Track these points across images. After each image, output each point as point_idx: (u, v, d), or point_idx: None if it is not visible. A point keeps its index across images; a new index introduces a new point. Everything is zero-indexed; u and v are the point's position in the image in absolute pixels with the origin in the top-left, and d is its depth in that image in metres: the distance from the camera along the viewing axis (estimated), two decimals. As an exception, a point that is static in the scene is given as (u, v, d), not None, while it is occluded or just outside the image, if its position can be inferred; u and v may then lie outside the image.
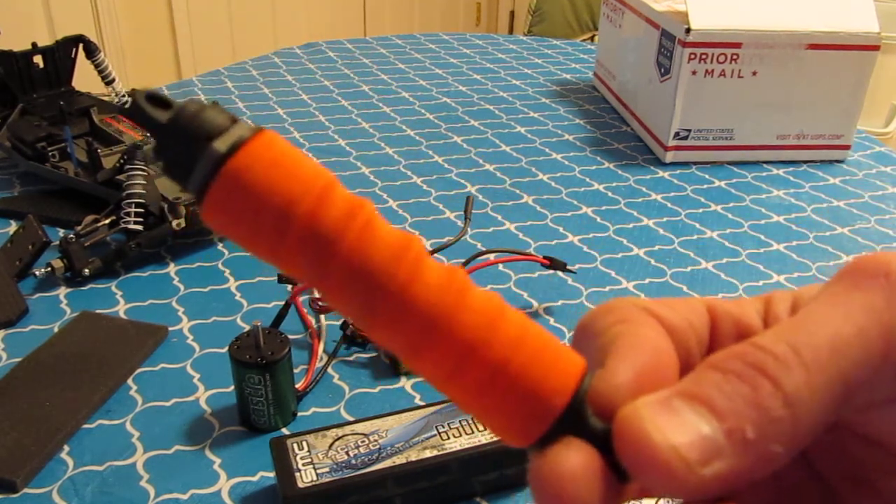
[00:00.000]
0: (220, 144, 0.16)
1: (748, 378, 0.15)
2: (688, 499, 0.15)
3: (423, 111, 1.00)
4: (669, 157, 0.86)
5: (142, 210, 0.62)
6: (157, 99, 0.16)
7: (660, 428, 0.15)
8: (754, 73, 0.82)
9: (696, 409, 0.15)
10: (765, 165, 0.87)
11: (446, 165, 0.84)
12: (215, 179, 0.16)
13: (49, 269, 0.59)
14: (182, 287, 0.61)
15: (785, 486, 0.19)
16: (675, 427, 0.15)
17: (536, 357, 0.16)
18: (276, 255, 0.16)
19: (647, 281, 0.63)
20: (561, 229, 0.71)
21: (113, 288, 0.60)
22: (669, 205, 0.77)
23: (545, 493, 0.15)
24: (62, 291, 0.60)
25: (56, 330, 0.55)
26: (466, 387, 0.16)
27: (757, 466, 0.15)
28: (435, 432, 0.41)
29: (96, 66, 0.90)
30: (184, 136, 0.16)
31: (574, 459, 0.15)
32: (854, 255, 0.16)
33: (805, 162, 0.88)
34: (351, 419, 0.44)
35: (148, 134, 0.16)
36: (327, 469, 0.39)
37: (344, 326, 0.53)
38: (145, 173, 0.63)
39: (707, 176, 0.84)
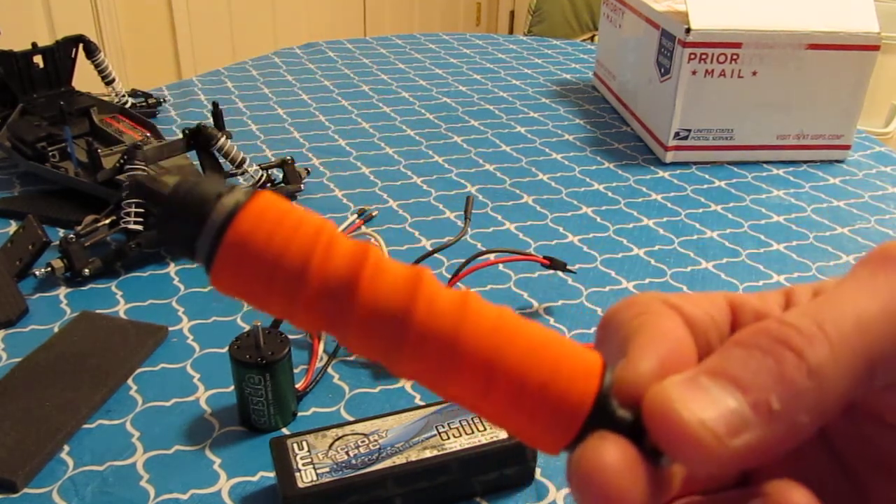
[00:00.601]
0: (217, 215, 0.16)
1: (772, 352, 0.15)
2: (719, 471, 0.15)
3: (423, 111, 1.00)
4: (669, 157, 0.86)
5: (142, 210, 0.62)
6: (147, 188, 0.17)
7: (688, 405, 0.15)
8: (754, 73, 0.82)
9: (721, 384, 0.15)
10: (765, 165, 0.87)
11: (446, 165, 0.84)
12: (219, 250, 0.16)
13: (49, 269, 0.59)
14: (182, 287, 0.61)
15: (807, 472, 0.19)
16: (703, 403, 0.15)
17: (556, 364, 0.16)
18: (292, 312, 0.17)
19: (647, 281, 0.63)
20: (561, 229, 0.71)
21: (113, 288, 0.60)
22: (669, 205, 0.77)
23: (589, 489, 0.15)
24: (62, 291, 0.60)
25: (56, 330, 0.55)
26: (496, 405, 0.17)
27: (784, 437, 0.15)
28: (435, 432, 0.41)
29: (96, 66, 0.90)
30: (182, 215, 0.16)
31: (612, 451, 0.15)
32: (878, 244, 0.16)
33: (805, 162, 0.88)
34: (351, 419, 0.44)
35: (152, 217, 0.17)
36: (327, 469, 0.39)
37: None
38: (145, 173, 0.63)
39: (707, 176, 0.84)
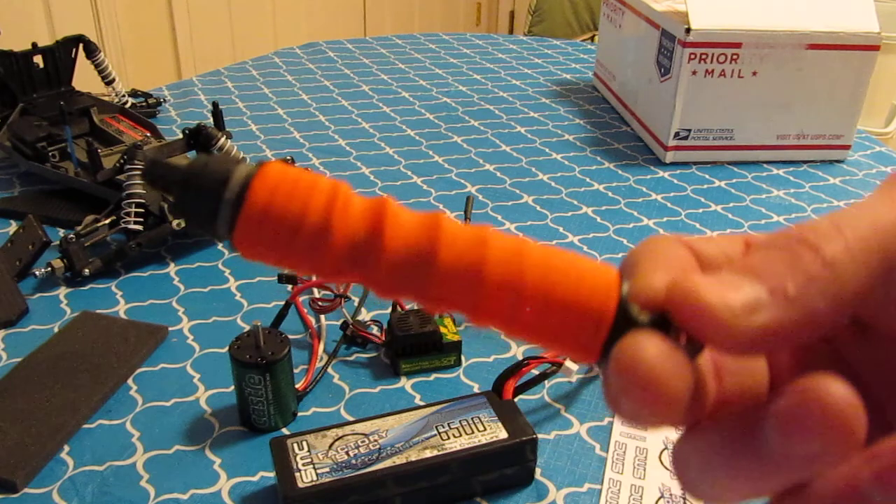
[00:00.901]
0: (232, 187, 0.17)
1: (789, 248, 0.17)
2: (742, 352, 0.16)
3: (423, 111, 1.00)
4: (669, 157, 0.86)
5: (142, 210, 0.62)
6: (163, 165, 0.18)
7: (710, 290, 0.16)
8: (754, 73, 0.82)
9: (741, 275, 0.17)
10: (765, 165, 0.87)
11: (446, 165, 0.84)
12: (238, 222, 0.17)
13: (49, 269, 0.59)
14: (182, 287, 0.61)
15: None
16: (725, 289, 0.16)
17: (577, 279, 0.18)
18: (319, 269, 0.18)
19: (647, 281, 0.63)
20: (561, 229, 0.71)
21: (113, 288, 0.60)
22: (669, 205, 0.77)
23: (633, 381, 0.16)
24: (62, 291, 0.60)
25: (56, 330, 0.55)
26: (525, 324, 0.18)
27: (800, 321, 0.16)
28: (435, 432, 0.41)
29: (96, 66, 0.90)
30: (198, 191, 0.17)
31: (649, 342, 0.16)
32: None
33: (805, 162, 0.88)
34: (351, 419, 0.44)
35: (167, 197, 0.18)
36: (327, 469, 0.39)
37: (344, 326, 0.53)
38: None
39: (707, 176, 0.84)
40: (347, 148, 0.88)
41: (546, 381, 0.50)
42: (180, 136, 0.69)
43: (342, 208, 0.17)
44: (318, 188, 0.18)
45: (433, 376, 0.51)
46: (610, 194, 0.79)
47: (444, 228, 0.18)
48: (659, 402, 0.16)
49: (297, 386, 0.48)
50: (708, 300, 0.16)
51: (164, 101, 1.02)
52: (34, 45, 0.83)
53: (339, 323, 0.53)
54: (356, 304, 0.58)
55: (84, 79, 0.90)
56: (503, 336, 0.18)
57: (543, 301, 0.18)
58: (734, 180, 0.83)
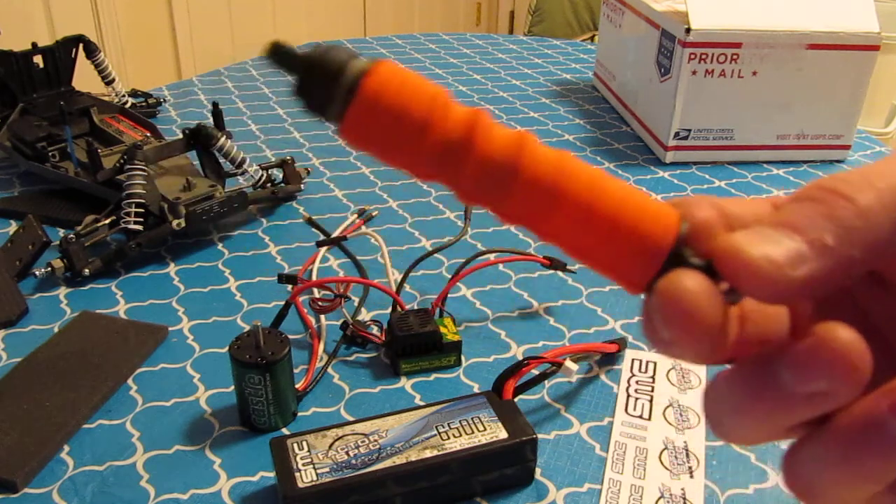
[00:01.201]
0: (349, 76, 0.19)
1: (824, 200, 0.18)
2: (782, 301, 0.18)
3: (423, 111, 1.00)
4: (669, 157, 0.86)
5: (142, 210, 0.62)
6: (286, 49, 0.20)
7: (754, 246, 0.17)
8: (754, 73, 0.82)
9: (781, 230, 0.18)
10: (765, 165, 0.87)
11: (446, 165, 0.84)
12: (349, 108, 0.19)
13: (49, 269, 0.59)
14: (182, 287, 0.61)
15: None
16: (767, 244, 0.17)
17: (642, 211, 0.19)
18: (413, 164, 0.20)
19: (647, 281, 0.63)
20: (561, 229, 0.71)
21: (113, 288, 0.60)
22: (669, 205, 0.77)
23: (673, 310, 0.18)
24: (62, 291, 0.60)
25: (56, 330, 0.55)
26: (589, 243, 0.20)
27: (837, 269, 0.17)
28: (435, 432, 0.41)
29: (96, 66, 0.90)
30: (319, 74, 0.19)
31: (692, 278, 0.18)
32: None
33: (805, 162, 0.88)
34: (351, 419, 0.44)
35: (289, 76, 0.19)
36: (327, 469, 0.39)
37: (344, 326, 0.53)
38: (145, 173, 0.63)
39: (707, 176, 0.84)
40: (347, 148, 0.88)
41: (546, 381, 0.50)
42: (180, 136, 0.69)
43: (442, 110, 0.19)
44: (424, 89, 0.20)
45: (433, 376, 0.51)
46: (610, 194, 0.78)
47: (528, 146, 0.20)
48: (696, 332, 0.18)
49: (297, 386, 0.48)
50: (751, 255, 0.17)
51: (164, 101, 1.02)
52: (34, 45, 0.83)
53: (339, 323, 0.53)
54: (356, 304, 0.58)
55: (84, 79, 0.90)
56: (564, 253, 0.20)
57: (612, 225, 0.19)
58: (734, 180, 0.83)
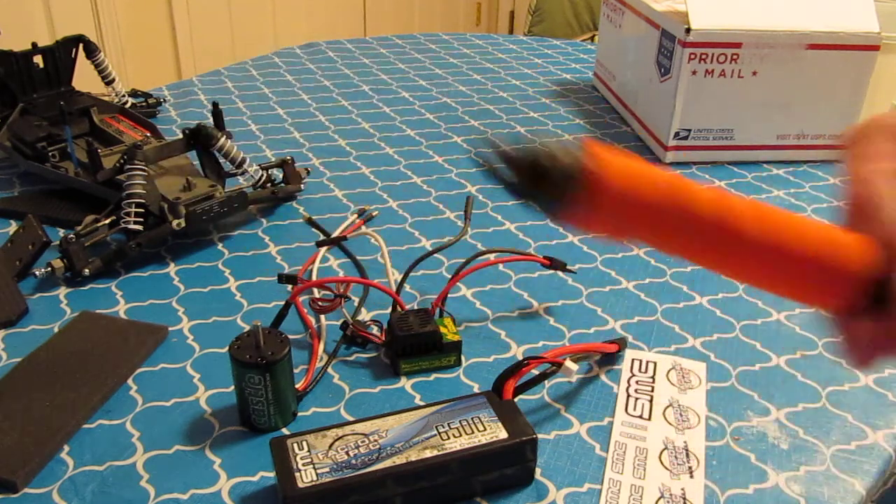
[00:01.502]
0: (575, 183, 0.24)
1: None
2: None
3: (423, 111, 1.00)
4: (669, 156, 0.86)
5: (142, 210, 0.62)
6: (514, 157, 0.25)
7: None
8: (754, 73, 0.82)
9: None
10: (765, 165, 0.87)
11: (446, 165, 0.84)
12: (572, 206, 0.24)
13: (49, 269, 0.59)
14: (182, 287, 0.61)
15: None
16: None
17: (832, 244, 0.25)
18: (657, 241, 0.26)
19: (647, 281, 0.63)
20: (561, 229, 0.71)
21: (113, 288, 0.60)
22: (669, 205, 0.77)
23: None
24: (62, 291, 0.60)
25: (56, 330, 0.55)
26: (793, 285, 0.26)
27: None
28: (435, 432, 0.41)
29: (96, 66, 0.90)
30: (553, 179, 0.24)
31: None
32: None
33: (805, 162, 0.88)
34: (351, 419, 0.44)
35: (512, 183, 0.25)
36: (327, 469, 0.39)
37: (344, 326, 0.53)
38: (145, 173, 0.63)
39: (707, 176, 0.84)
40: (347, 148, 0.88)
41: (546, 381, 0.50)
42: (180, 136, 0.69)
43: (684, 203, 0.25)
44: (656, 183, 0.25)
45: (433, 376, 0.51)
46: (610, 194, 0.78)
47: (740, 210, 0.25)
48: None
49: (297, 386, 0.48)
50: None
51: (164, 101, 1.02)
52: (34, 45, 0.83)
53: (339, 323, 0.53)
54: (356, 304, 0.58)
55: (84, 79, 0.90)
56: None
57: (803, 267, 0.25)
58: (734, 180, 0.83)
